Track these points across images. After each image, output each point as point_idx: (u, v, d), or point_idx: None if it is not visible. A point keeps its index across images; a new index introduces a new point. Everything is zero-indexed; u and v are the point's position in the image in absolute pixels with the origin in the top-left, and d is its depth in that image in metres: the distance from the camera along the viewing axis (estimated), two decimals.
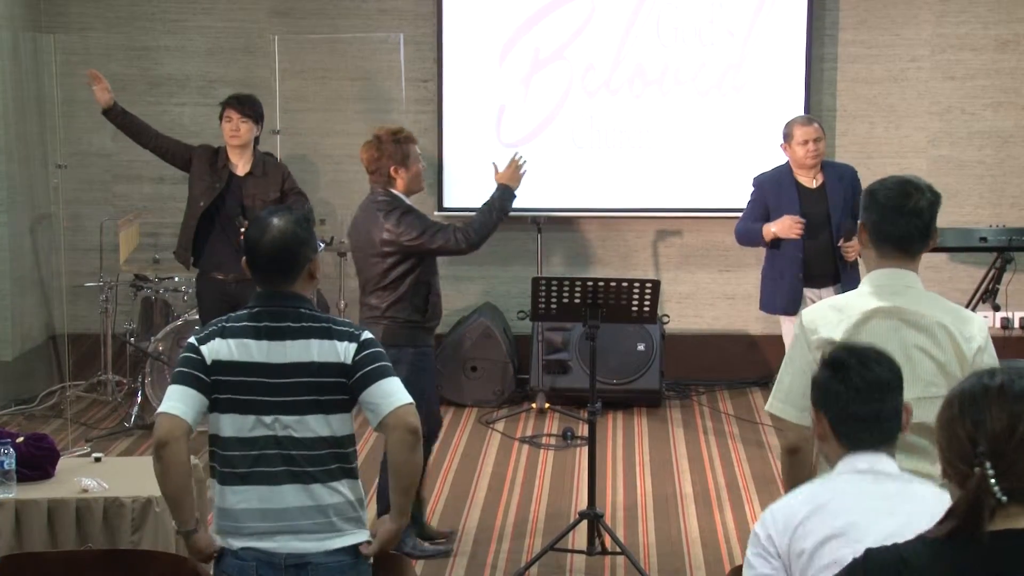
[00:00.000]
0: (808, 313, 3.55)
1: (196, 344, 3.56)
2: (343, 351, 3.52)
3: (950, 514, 2.02)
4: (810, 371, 3.44)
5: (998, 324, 8.47)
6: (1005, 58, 8.51)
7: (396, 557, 3.84)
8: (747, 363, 8.64)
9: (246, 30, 8.61)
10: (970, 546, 2.00)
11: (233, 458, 3.55)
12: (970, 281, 8.18)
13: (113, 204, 8.66)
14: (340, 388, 3.53)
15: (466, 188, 8.47)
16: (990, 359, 3.43)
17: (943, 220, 8.65)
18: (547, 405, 8.03)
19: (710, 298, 8.76)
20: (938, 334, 3.42)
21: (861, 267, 3.63)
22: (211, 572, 3.67)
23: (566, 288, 5.61)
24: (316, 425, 3.53)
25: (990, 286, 7.71)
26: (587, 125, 8.50)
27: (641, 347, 8.07)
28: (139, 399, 7.69)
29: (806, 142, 6.77)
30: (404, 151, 5.62)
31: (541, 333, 8.16)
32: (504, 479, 6.85)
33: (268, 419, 3.52)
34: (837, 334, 3.40)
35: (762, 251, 7.08)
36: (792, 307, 6.69)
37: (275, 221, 3.59)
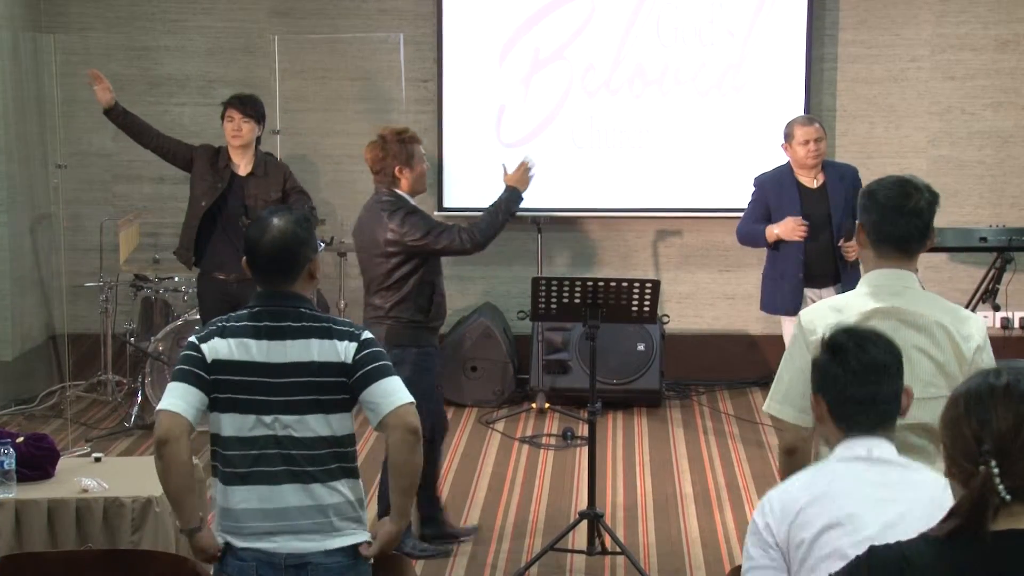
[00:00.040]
0: (807, 314, 3.54)
1: (196, 343, 3.56)
2: (343, 350, 3.53)
3: (953, 513, 2.02)
4: (808, 371, 3.44)
5: (998, 324, 8.47)
6: (1005, 58, 8.51)
7: (396, 557, 3.84)
8: (747, 363, 8.64)
9: (246, 30, 8.62)
10: (973, 545, 2.00)
11: (233, 458, 3.55)
12: (970, 281, 8.18)
13: (113, 204, 8.66)
14: (340, 387, 3.53)
15: (466, 188, 8.47)
16: (988, 358, 3.43)
17: (943, 220, 8.65)
18: (547, 405, 8.03)
19: (710, 298, 8.77)
20: (937, 334, 3.42)
21: (862, 267, 3.64)
22: (211, 572, 3.67)
23: (566, 288, 5.61)
24: (316, 425, 3.53)
25: (990, 286, 7.71)
26: (587, 125, 8.50)
27: (641, 347, 8.07)
28: (139, 399, 7.69)
29: (807, 142, 6.77)
30: (409, 151, 5.62)
31: (541, 333, 8.16)
32: (504, 479, 6.85)
33: (268, 419, 3.52)
34: None
35: (762, 251, 7.09)
36: (793, 307, 6.68)
37: (275, 221, 3.59)
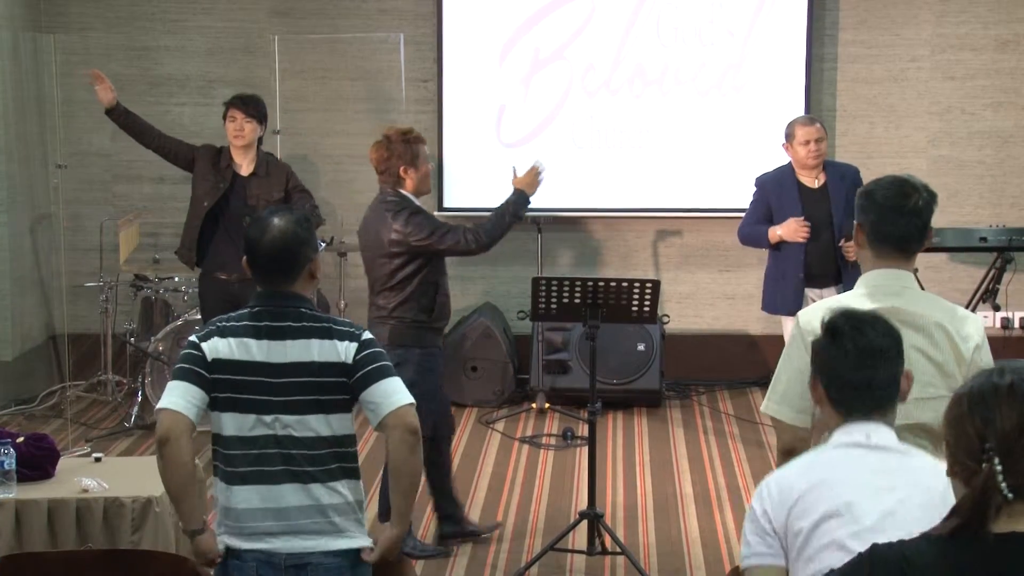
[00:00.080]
0: (805, 314, 3.53)
1: (197, 342, 3.57)
2: (343, 351, 3.52)
3: (955, 511, 2.03)
4: (807, 371, 3.44)
5: (998, 324, 8.46)
6: (1005, 58, 8.51)
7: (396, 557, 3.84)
8: (747, 363, 8.64)
9: (246, 30, 8.62)
10: (974, 546, 2.00)
11: (234, 457, 3.55)
12: (970, 281, 8.18)
13: (113, 204, 8.66)
14: (341, 388, 3.53)
15: (466, 188, 8.48)
16: (987, 357, 3.44)
17: (943, 220, 8.68)
18: (547, 405, 8.03)
19: (710, 298, 8.77)
20: (936, 335, 3.42)
21: (862, 267, 3.63)
22: (211, 574, 3.67)
23: (566, 288, 5.61)
24: (316, 425, 3.53)
25: (990, 286, 7.71)
26: (587, 125, 8.50)
27: (641, 347, 8.07)
28: (139, 399, 7.69)
29: (807, 142, 6.78)
30: (414, 151, 5.62)
31: (541, 333, 8.16)
32: (504, 479, 6.85)
33: (268, 418, 3.53)
34: None
35: (762, 251, 7.09)
36: (794, 307, 6.67)
37: (275, 221, 3.59)
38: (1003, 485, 1.98)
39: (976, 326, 3.48)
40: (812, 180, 6.87)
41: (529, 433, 7.65)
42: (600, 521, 5.58)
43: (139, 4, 8.63)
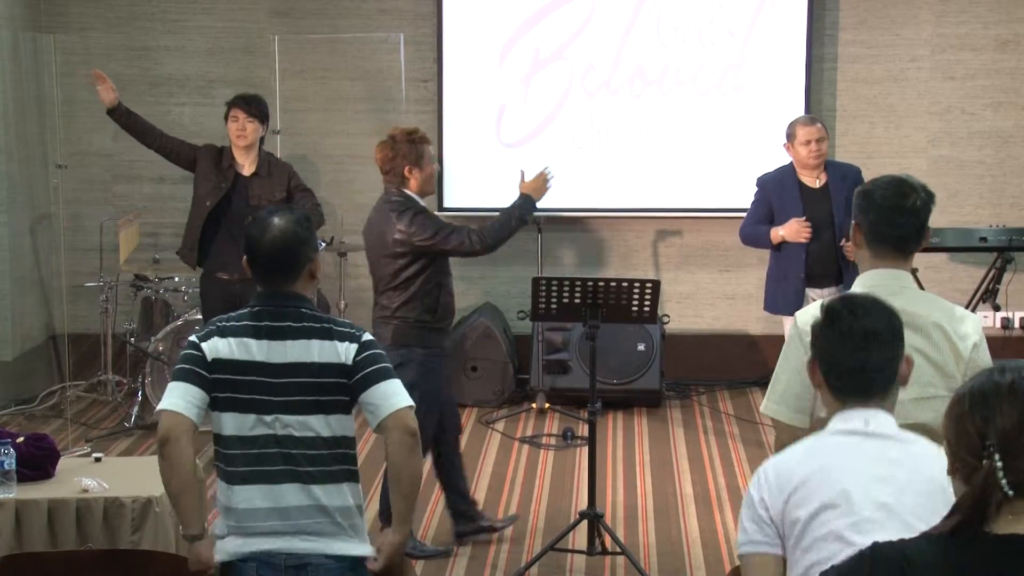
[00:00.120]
0: (803, 314, 3.53)
1: (197, 342, 3.57)
2: (344, 352, 3.52)
3: (956, 509, 2.03)
4: (805, 371, 3.44)
5: (998, 324, 8.47)
6: (1005, 58, 8.51)
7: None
8: (747, 363, 8.64)
9: (246, 30, 8.62)
10: (975, 546, 2.01)
11: (234, 457, 3.55)
12: (970, 281, 8.18)
13: (113, 204, 8.66)
14: (341, 389, 3.53)
15: (466, 188, 8.48)
16: (986, 356, 3.45)
17: (943, 220, 8.68)
18: (547, 405, 8.03)
19: (710, 298, 8.77)
20: (934, 335, 3.42)
21: (859, 267, 3.63)
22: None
23: (566, 288, 5.61)
24: (316, 425, 3.53)
25: (990, 286, 7.71)
26: (587, 125, 8.50)
27: (641, 347, 8.06)
28: (139, 399, 7.69)
29: (808, 142, 6.78)
30: (418, 151, 5.62)
31: (541, 333, 8.16)
32: (504, 479, 6.85)
33: (268, 418, 3.53)
34: None
35: (762, 251, 7.09)
36: (795, 308, 6.64)
37: (276, 220, 3.59)
38: (1003, 482, 1.99)
39: (974, 325, 3.48)
40: (813, 180, 6.87)
41: (529, 433, 7.66)
42: (600, 521, 5.58)
43: (139, 4, 8.63)
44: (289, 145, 8.36)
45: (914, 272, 7.23)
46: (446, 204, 8.50)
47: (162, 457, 3.51)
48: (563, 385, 8.12)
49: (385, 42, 8.54)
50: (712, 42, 8.41)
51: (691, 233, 8.72)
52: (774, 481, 2.72)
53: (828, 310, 2.85)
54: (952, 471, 2.09)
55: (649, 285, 5.63)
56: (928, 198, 3.53)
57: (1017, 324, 8.59)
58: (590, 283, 5.59)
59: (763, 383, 8.31)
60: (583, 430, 6.95)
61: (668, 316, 8.37)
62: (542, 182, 5.91)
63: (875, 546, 2.11)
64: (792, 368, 3.45)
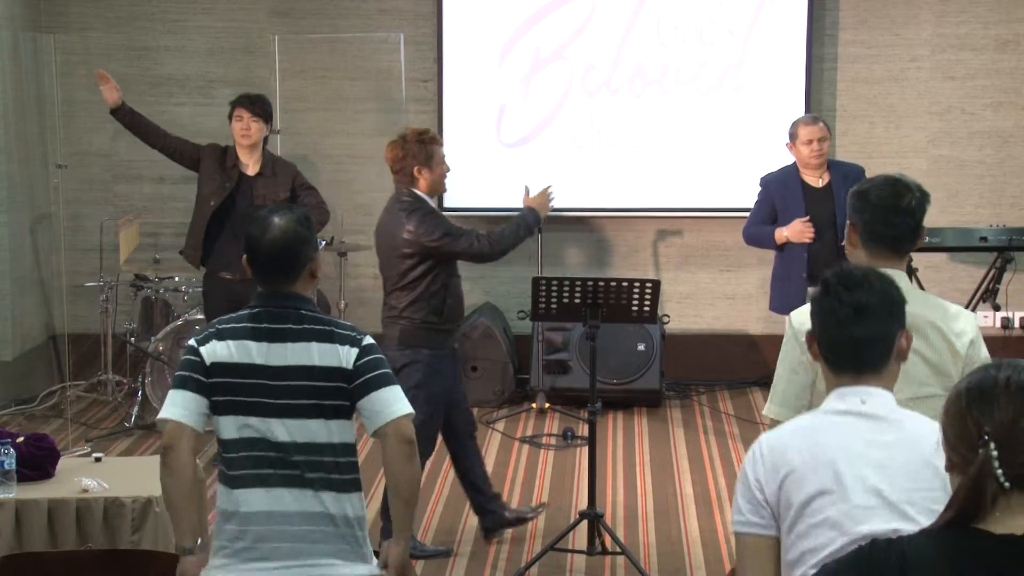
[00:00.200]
0: (798, 314, 3.53)
1: (196, 346, 3.55)
2: (344, 356, 3.50)
3: (951, 503, 2.04)
4: (801, 370, 3.44)
5: (998, 324, 8.46)
6: (1005, 58, 8.51)
7: None
8: (747, 363, 8.64)
9: (246, 30, 8.62)
10: (974, 544, 2.01)
11: (233, 460, 3.53)
12: (970, 281, 8.18)
13: (113, 204, 8.66)
14: (341, 393, 3.51)
15: (466, 188, 8.46)
16: (983, 352, 3.46)
17: (943, 220, 8.67)
18: (547, 405, 8.03)
19: (710, 298, 8.77)
20: (930, 335, 3.42)
21: None
22: None
23: (566, 288, 5.61)
24: (316, 430, 3.50)
25: (990, 286, 7.72)
26: (587, 125, 8.50)
27: (641, 347, 8.07)
28: (139, 399, 7.69)
29: (810, 141, 6.78)
30: (428, 152, 5.63)
31: (541, 333, 8.16)
32: (504, 479, 6.85)
33: (268, 421, 3.50)
34: None
35: (763, 251, 7.09)
36: (797, 307, 6.68)
37: (276, 220, 3.57)
38: (999, 472, 1.99)
39: (969, 322, 3.49)
40: (816, 180, 6.87)
41: (529, 433, 7.66)
42: (600, 521, 5.58)
43: (139, 4, 8.63)
44: (289, 145, 8.36)
45: (914, 272, 7.27)
46: (446, 204, 8.48)
47: (163, 465, 3.51)
48: (563, 385, 8.12)
49: (385, 42, 8.54)
50: (712, 42, 8.41)
51: (691, 233, 8.71)
52: (769, 461, 2.71)
53: (823, 282, 2.85)
54: (950, 467, 2.10)
55: (649, 285, 5.63)
56: (923, 198, 3.54)
57: (1017, 324, 8.59)
58: (590, 283, 5.59)
59: (763, 383, 8.35)
60: (583, 430, 6.96)
61: (668, 316, 8.37)
62: (545, 198, 5.97)
63: (874, 543, 2.11)
64: (789, 368, 3.46)
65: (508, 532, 6.03)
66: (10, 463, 4.63)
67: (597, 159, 8.51)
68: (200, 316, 7.45)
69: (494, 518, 5.91)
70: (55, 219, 8.45)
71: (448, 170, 5.78)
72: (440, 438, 5.85)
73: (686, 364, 8.61)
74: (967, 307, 7.06)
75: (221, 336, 3.54)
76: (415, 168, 5.61)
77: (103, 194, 8.73)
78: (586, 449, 5.83)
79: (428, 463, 5.91)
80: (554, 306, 5.67)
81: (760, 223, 6.94)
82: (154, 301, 8.01)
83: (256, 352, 3.52)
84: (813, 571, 2.56)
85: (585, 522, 5.57)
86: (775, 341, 3.71)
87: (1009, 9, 8.48)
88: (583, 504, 5.81)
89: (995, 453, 2.00)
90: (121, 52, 8.64)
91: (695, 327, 8.76)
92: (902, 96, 8.56)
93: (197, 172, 7.05)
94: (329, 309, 7.74)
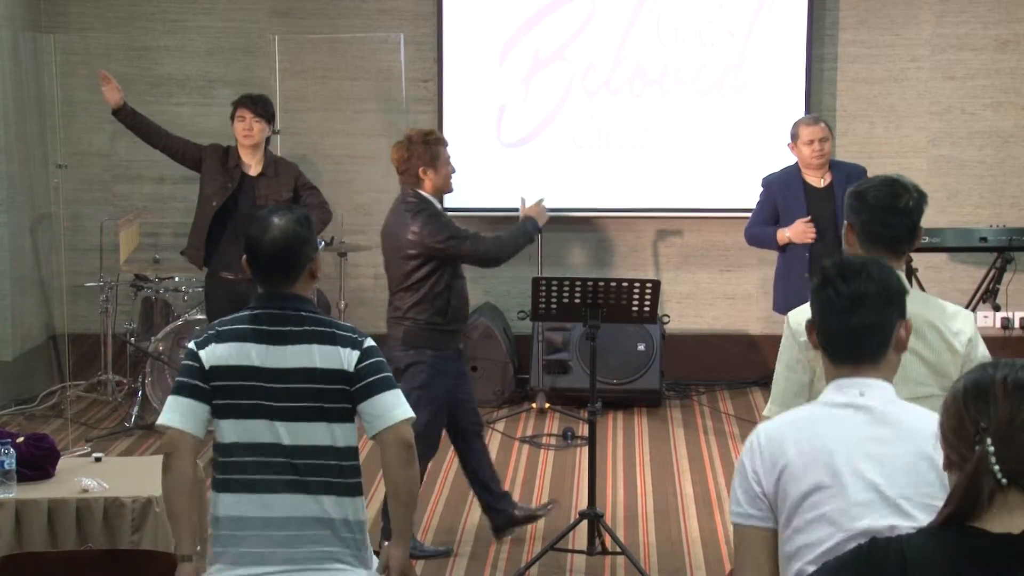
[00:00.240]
0: (796, 315, 3.53)
1: (195, 350, 3.53)
2: (346, 358, 3.49)
3: (949, 500, 2.04)
4: (800, 370, 3.44)
5: (998, 324, 8.46)
6: (1005, 58, 8.51)
7: None
8: (747, 363, 8.64)
9: (246, 30, 8.62)
10: (973, 544, 2.01)
11: (233, 464, 3.51)
12: (970, 281, 8.18)
13: (113, 204, 8.66)
14: (342, 396, 3.50)
15: (466, 188, 8.41)
16: (982, 350, 3.46)
17: (943, 220, 8.67)
18: (547, 405, 8.04)
19: (710, 298, 8.76)
20: (928, 335, 3.42)
21: None
22: None
23: (566, 288, 5.62)
24: (318, 432, 3.49)
25: (990, 286, 7.72)
26: (587, 125, 8.50)
27: (641, 347, 8.07)
28: (139, 399, 7.69)
29: (811, 142, 6.78)
30: (433, 152, 5.63)
31: (541, 333, 8.16)
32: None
33: (268, 424, 3.49)
34: None
35: (763, 251, 7.08)
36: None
37: (275, 220, 3.57)
38: (996, 468, 2.00)
39: (966, 321, 3.49)
40: (818, 180, 6.87)
41: (529, 433, 7.66)
42: (600, 521, 5.58)
43: (139, 4, 8.63)
44: (289, 145, 8.36)
45: (914, 272, 7.27)
46: (446, 204, 8.38)
47: (164, 471, 3.50)
48: (563, 385, 8.12)
49: (385, 42, 8.54)
50: (712, 42, 8.41)
51: (691, 233, 8.72)
52: (767, 453, 2.71)
53: (821, 271, 2.85)
54: (948, 466, 2.10)
55: (649, 285, 5.63)
56: (920, 198, 3.54)
57: (1017, 324, 8.59)
58: (590, 283, 5.59)
59: (763, 383, 8.35)
60: (583, 430, 6.95)
61: (668, 316, 8.37)
62: (542, 208, 5.97)
63: (873, 542, 2.11)
64: (787, 368, 3.46)
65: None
66: (10, 463, 4.63)
67: (597, 159, 8.50)
68: (200, 316, 7.45)
69: (504, 516, 5.90)
70: (55, 219, 8.45)
71: (454, 171, 5.78)
72: (447, 438, 5.85)
73: (686, 364, 8.61)
74: (967, 307, 7.07)
75: (220, 338, 3.52)
76: (420, 169, 5.62)
77: (103, 194, 8.73)
78: (586, 449, 5.83)
79: (428, 464, 5.91)
80: (554, 306, 5.67)
81: (762, 223, 6.94)
82: (154, 301, 8.01)
83: (255, 355, 3.50)
84: (811, 567, 2.56)
85: (585, 522, 5.57)
86: (775, 341, 3.72)
87: (1009, 9, 8.48)
88: (583, 504, 5.81)
89: (992, 450, 2.01)
90: (121, 52, 8.63)
91: (695, 327, 8.76)
92: (902, 96, 8.56)
93: (199, 172, 7.05)
94: (329, 309, 7.74)
